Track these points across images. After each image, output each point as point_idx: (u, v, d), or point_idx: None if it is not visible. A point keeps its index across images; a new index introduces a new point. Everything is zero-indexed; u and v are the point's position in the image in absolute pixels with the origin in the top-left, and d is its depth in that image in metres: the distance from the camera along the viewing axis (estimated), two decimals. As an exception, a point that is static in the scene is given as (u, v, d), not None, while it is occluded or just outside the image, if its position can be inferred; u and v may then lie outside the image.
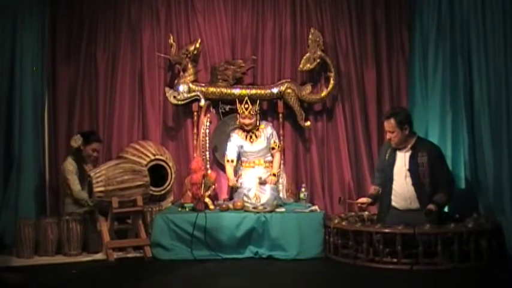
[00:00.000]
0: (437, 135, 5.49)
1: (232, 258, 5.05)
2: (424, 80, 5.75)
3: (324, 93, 6.24)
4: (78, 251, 5.26)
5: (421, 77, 5.78)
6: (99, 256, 5.16)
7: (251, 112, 5.79)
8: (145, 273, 4.66)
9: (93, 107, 6.40)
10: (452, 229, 4.65)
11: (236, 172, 5.85)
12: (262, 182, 5.61)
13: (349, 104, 6.37)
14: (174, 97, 6.16)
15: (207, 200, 5.40)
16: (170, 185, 5.97)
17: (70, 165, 5.52)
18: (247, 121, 5.82)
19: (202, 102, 5.92)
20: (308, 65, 6.21)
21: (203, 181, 5.36)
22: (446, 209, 5.14)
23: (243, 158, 5.91)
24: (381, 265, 4.63)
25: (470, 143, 5.28)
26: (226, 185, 5.99)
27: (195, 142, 6.14)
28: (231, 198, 5.77)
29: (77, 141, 5.61)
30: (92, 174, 5.14)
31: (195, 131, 6.14)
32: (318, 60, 6.19)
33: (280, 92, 6.19)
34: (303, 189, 5.83)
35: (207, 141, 5.81)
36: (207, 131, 5.77)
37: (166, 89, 6.24)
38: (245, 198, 5.50)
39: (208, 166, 5.77)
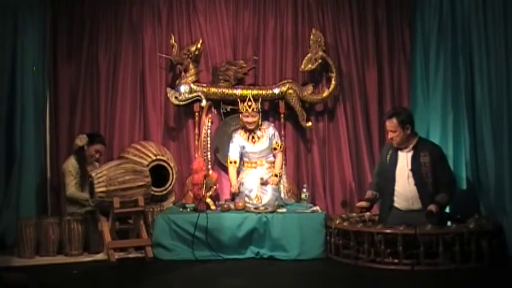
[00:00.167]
0: (439, 135, 5.49)
1: (234, 259, 5.04)
2: (426, 80, 5.75)
3: (325, 94, 6.24)
4: (80, 251, 5.26)
5: (423, 78, 5.78)
6: (100, 256, 5.14)
7: (254, 110, 5.78)
8: (147, 274, 4.66)
9: (95, 107, 6.40)
10: (453, 230, 4.66)
11: (238, 173, 5.85)
12: (264, 183, 5.62)
13: (350, 104, 6.37)
14: (176, 97, 6.16)
15: (208, 200, 5.39)
16: (171, 186, 5.97)
17: (70, 166, 5.53)
18: (250, 119, 5.79)
19: (204, 103, 5.92)
20: (309, 66, 6.21)
21: (204, 181, 5.35)
22: (447, 210, 5.14)
23: (244, 159, 5.91)
24: (382, 266, 4.62)
25: (472, 143, 5.27)
26: (227, 186, 5.98)
27: (196, 142, 6.13)
28: (232, 198, 5.76)
29: (82, 140, 5.63)
30: (93, 174, 5.14)
31: (197, 131, 6.13)
32: (320, 61, 6.19)
33: (282, 93, 6.19)
34: (304, 190, 5.83)
35: (209, 142, 5.82)
36: (209, 131, 5.78)
37: (168, 89, 6.25)
38: (246, 199, 5.51)
39: (209, 166, 5.77)
